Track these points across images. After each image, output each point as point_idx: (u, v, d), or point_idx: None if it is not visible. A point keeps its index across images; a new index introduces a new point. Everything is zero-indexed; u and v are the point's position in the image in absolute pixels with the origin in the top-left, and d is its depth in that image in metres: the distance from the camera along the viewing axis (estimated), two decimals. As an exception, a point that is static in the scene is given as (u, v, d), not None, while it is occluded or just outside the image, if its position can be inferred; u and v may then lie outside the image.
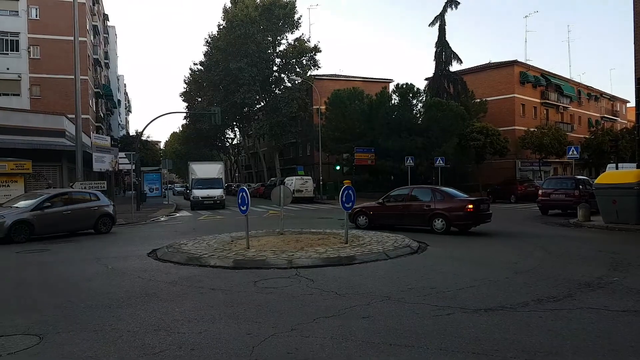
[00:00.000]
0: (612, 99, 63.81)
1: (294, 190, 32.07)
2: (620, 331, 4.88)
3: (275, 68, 48.14)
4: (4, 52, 34.57)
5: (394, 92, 37.92)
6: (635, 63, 18.38)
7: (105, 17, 57.23)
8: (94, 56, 43.35)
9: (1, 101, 31.47)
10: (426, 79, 44.08)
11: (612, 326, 5.04)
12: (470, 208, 13.44)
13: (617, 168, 23.33)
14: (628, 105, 66.32)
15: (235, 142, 69.62)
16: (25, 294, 7.28)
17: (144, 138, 54.30)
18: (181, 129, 73.26)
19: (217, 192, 28.77)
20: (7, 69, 34.19)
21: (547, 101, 48.87)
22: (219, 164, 34.56)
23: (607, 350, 4.40)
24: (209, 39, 48.51)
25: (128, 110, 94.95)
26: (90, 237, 14.79)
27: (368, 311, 5.70)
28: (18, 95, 34.32)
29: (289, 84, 47.65)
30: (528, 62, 47.82)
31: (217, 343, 4.73)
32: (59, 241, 13.76)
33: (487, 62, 48.20)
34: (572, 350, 4.37)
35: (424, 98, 37.40)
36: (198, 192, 28.59)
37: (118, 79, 70.47)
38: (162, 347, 4.65)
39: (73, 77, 19.35)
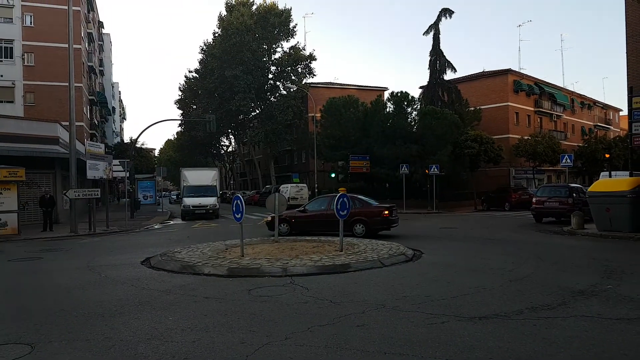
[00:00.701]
0: (605, 107, 64.38)
1: (289, 197, 32.03)
2: (614, 339, 4.89)
3: (270, 76, 48.30)
4: (-2, 59, 34.49)
5: (388, 100, 38.05)
6: (627, 71, 18.59)
7: (100, 25, 57.29)
8: (89, 63, 43.33)
9: (-5, 108, 31.33)
10: (421, 87, 44.31)
11: (606, 334, 5.04)
12: (386, 214, 15.02)
13: (610, 176, 23.54)
14: (621, 113, 66.94)
15: (230, 149, 69.62)
16: (17, 302, 7.21)
17: (138, 145, 54.22)
18: (176, 137, 73.27)
19: (210, 201, 26.57)
20: (1, 76, 34.09)
21: (541, 109, 49.23)
22: (214, 170, 32.11)
23: (601, 358, 4.40)
24: (204, 47, 48.67)
25: (123, 117, 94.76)
26: (83, 245, 14.67)
27: (363, 319, 5.68)
28: (12, 102, 34.19)
29: (284, 92, 47.81)
30: (522, 71, 48.22)
31: (210, 352, 4.69)
32: (52, 250, 13.65)
33: (481, 70, 48.66)
34: (567, 358, 4.37)
35: (419, 106, 37.54)
36: (189, 201, 26.33)
37: (113, 86, 70.41)
38: (156, 356, 4.61)
39: (67, 84, 19.32)
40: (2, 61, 34.47)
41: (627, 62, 18.66)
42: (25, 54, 35.07)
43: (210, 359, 4.52)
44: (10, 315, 6.34)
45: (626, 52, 18.64)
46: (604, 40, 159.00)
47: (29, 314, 6.38)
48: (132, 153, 33.70)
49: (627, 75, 18.56)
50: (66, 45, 20.40)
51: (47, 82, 34.62)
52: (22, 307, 6.86)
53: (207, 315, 6.05)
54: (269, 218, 15.56)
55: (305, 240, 13.15)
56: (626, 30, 18.62)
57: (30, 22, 35.43)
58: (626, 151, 41.88)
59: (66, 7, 19.65)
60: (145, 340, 5.10)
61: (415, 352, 4.54)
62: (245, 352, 4.63)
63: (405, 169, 30.13)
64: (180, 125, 59.09)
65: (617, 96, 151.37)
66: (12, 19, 34.85)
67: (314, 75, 48.39)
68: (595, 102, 61.24)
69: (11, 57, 34.78)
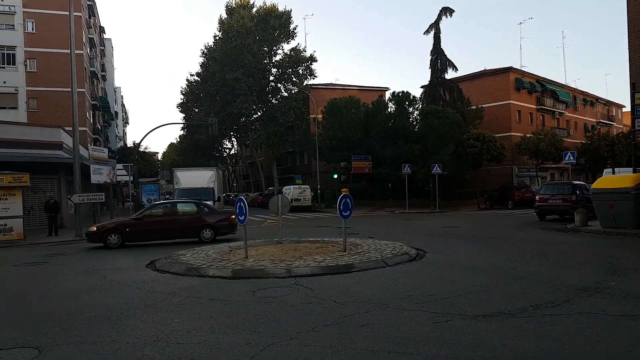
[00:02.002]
0: (608, 104, 64.19)
1: (291, 199, 32.10)
2: (618, 336, 4.90)
3: (271, 78, 48.37)
4: (1, 65, 34.71)
5: (390, 100, 38.09)
6: (630, 68, 18.54)
7: (102, 30, 57.53)
8: (91, 69, 43.52)
9: (-2, 114, 31.52)
10: (422, 87, 44.28)
11: (610, 331, 5.05)
12: (232, 218, 15.37)
13: (613, 173, 23.49)
14: (624, 110, 66.71)
15: (232, 152, 69.72)
16: (23, 306, 7.27)
17: (141, 149, 54.41)
18: (178, 140, 73.42)
19: None
20: (4, 82, 34.29)
21: (543, 107, 49.13)
22: (210, 170, 28.47)
23: (605, 355, 4.41)
24: (205, 50, 48.78)
25: (125, 122, 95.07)
26: (88, 249, 14.75)
27: (367, 319, 5.70)
28: (15, 108, 34.38)
29: (286, 94, 47.86)
30: (523, 69, 48.13)
31: (216, 353, 4.73)
32: (57, 254, 13.73)
33: (483, 69, 48.51)
34: (571, 356, 4.38)
35: (420, 106, 37.58)
36: None
37: (115, 91, 70.65)
38: (162, 358, 4.65)
39: (70, 89, 19.40)
40: (4, 68, 34.67)
41: (629, 59, 18.61)
42: (28, 60, 35.27)
43: (216, 360, 4.55)
44: (18, 319, 6.39)
45: (628, 49, 18.60)
46: (606, 37, 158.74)
47: (36, 317, 6.43)
48: (135, 157, 33.88)
49: (630, 71, 18.52)
50: (68, 51, 20.51)
51: (49, 87, 34.80)
52: (29, 311, 6.92)
53: (213, 317, 6.09)
54: (94, 228, 14.92)
55: (308, 241, 13.18)
56: (628, 26, 18.58)
57: (32, 29, 35.64)
58: (629, 147, 41.79)
59: (67, 13, 19.75)
60: (152, 342, 5.14)
61: (419, 351, 4.56)
62: (250, 353, 4.66)
63: (408, 169, 30.13)
64: (182, 128, 59.25)
65: (619, 93, 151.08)
66: (14, 25, 35.06)
67: (315, 76, 48.49)
68: (597, 98, 61.07)
69: (14, 64, 34.99)
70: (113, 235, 14.65)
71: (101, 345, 5.11)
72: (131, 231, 14.85)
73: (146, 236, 15.05)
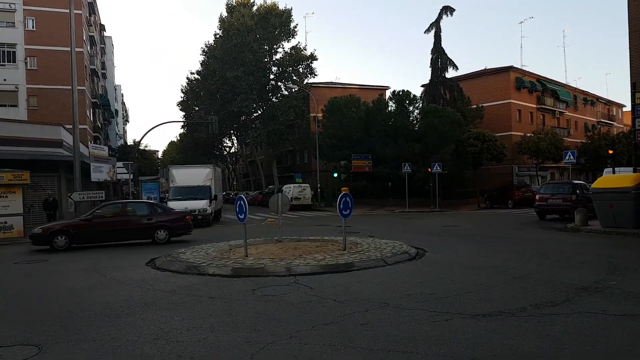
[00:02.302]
0: (608, 103, 64.14)
1: (291, 198, 32.10)
2: (618, 335, 4.90)
3: (271, 76, 48.34)
4: (1, 63, 34.69)
5: (390, 99, 38.07)
6: (630, 67, 18.52)
7: (102, 28, 57.48)
8: (91, 66, 43.51)
9: (-1, 112, 31.51)
10: (422, 86, 44.24)
11: (610, 330, 5.05)
12: (189, 219, 15.47)
13: (614, 172, 23.48)
14: (624, 109, 66.63)
15: (232, 150, 69.72)
16: (24, 304, 7.28)
17: (141, 147, 54.40)
18: (179, 138, 73.41)
19: (199, 205, 21.61)
20: (4, 80, 34.28)
21: (544, 106, 49.09)
22: (207, 168, 26.49)
23: (605, 354, 4.42)
24: (206, 48, 48.73)
25: (125, 120, 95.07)
26: (89, 248, 14.76)
27: (366, 318, 5.71)
28: (15, 106, 34.37)
29: (286, 92, 47.82)
30: (524, 68, 48.06)
31: (216, 351, 4.73)
32: (58, 252, 13.74)
33: (483, 68, 48.45)
34: (571, 355, 4.38)
35: (421, 105, 37.55)
36: (173, 205, 20.54)
37: (115, 89, 70.63)
38: (162, 356, 4.65)
39: (70, 87, 19.42)
40: (5, 65, 34.66)
41: (630, 58, 18.60)
42: (28, 58, 35.27)
43: (215, 358, 4.56)
44: (18, 317, 6.39)
45: (629, 48, 18.58)
46: (607, 36, 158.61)
47: (35, 315, 6.43)
48: (135, 155, 33.88)
49: (630, 71, 18.50)
50: (68, 49, 20.51)
51: (50, 85, 34.79)
52: (29, 308, 6.92)
53: (212, 315, 6.09)
54: (40, 230, 14.18)
55: (308, 240, 13.19)
56: (629, 26, 18.55)
57: (33, 26, 35.62)
58: (630, 147, 41.71)
59: (68, 11, 19.74)
60: (151, 340, 5.14)
61: (419, 350, 4.56)
62: (250, 351, 4.67)
63: (408, 168, 30.13)
64: (182, 127, 59.24)
65: (620, 92, 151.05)
66: (14, 23, 35.04)
67: (316, 75, 48.45)
68: (598, 98, 61.02)
69: (14, 61, 34.97)
70: (60, 237, 13.91)
71: (101, 343, 5.12)
72: (80, 233, 14.18)
73: (96, 238, 14.46)
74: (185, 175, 24.79)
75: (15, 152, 21.47)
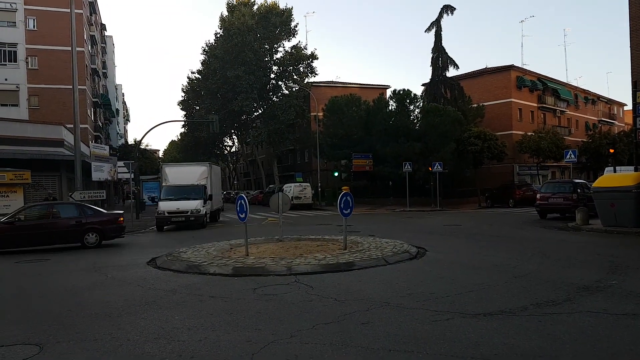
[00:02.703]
0: (609, 102, 64.06)
1: (292, 197, 32.11)
2: (619, 334, 4.89)
3: (272, 75, 48.35)
4: (2, 63, 34.73)
5: (391, 98, 38.04)
6: (631, 66, 18.49)
7: (103, 27, 57.47)
8: (92, 66, 43.52)
9: (0, 112, 31.55)
10: (423, 85, 44.20)
11: (612, 329, 5.04)
12: (121, 220, 14.86)
13: (615, 171, 23.44)
14: (625, 108, 66.53)
15: (233, 149, 69.70)
16: (24, 303, 7.28)
17: (142, 147, 54.41)
18: (179, 138, 73.39)
19: (192, 205, 20.16)
20: (6, 79, 34.32)
21: (544, 105, 49.03)
22: (202, 166, 24.61)
23: (606, 353, 4.41)
24: (207, 48, 48.73)
25: (126, 119, 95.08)
26: (90, 248, 14.76)
27: (367, 317, 5.70)
28: (16, 105, 34.43)
29: (287, 91, 47.84)
30: (524, 67, 48.00)
31: (217, 350, 4.73)
32: (58, 251, 13.75)
33: (484, 67, 48.42)
34: (572, 354, 4.37)
35: (421, 104, 37.52)
36: (165, 205, 20.23)
37: (116, 88, 70.63)
38: (162, 355, 4.65)
39: (71, 87, 19.41)
40: (6, 65, 34.69)
41: (631, 57, 18.56)
42: (29, 58, 35.29)
43: (216, 357, 4.55)
44: (19, 316, 6.40)
45: (630, 47, 18.55)
46: (608, 35, 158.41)
47: (37, 314, 6.44)
48: (136, 154, 33.87)
49: (631, 69, 18.47)
50: (69, 48, 20.52)
51: (51, 85, 34.82)
52: (30, 308, 6.93)
53: (213, 314, 6.09)
54: None
55: (309, 239, 13.19)
56: (630, 24, 18.52)
57: (34, 26, 35.63)
58: (631, 146, 41.70)
59: (68, 10, 19.74)
60: (152, 339, 5.14)
61: (420, 349, 4.56)
62: (251, 351, 4.67)
63: (409, 167, 30.11)
64: (183, 126, 59.22)
65: (621, 91, 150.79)
66: (15, 22, 35.07)
67: (316, 74, 48.44)
68: (599, 97, 60.94)
69: (15, 61, 35.01)
70: None
71: (102, 342, 5.12)
72: (0, 237, 13.37)
73: (19, 242, 13.75)
74: (179, 174, 23.15)
75: (17, 151, 21.50)
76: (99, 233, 14.24)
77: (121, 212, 15.63)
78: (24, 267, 11.03)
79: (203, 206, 20.57)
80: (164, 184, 22.83)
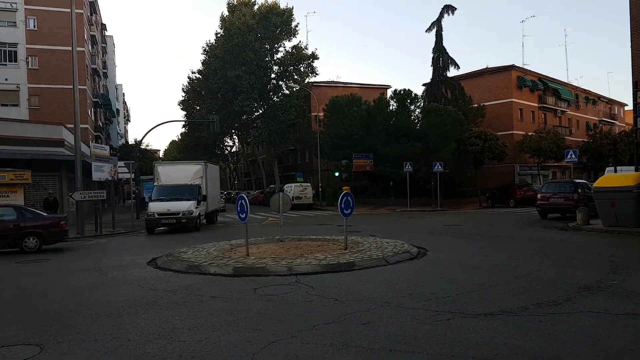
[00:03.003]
0: (610, 102, 64.01)
1: (293, 197, 32.11)
2: (620, 334, 4.89)
3: (273, 75, 48.34)
4: (3, 63, 34.73)
5: (391, 98, 38.03)
6: (632, 66, 18.49)
7: (103, 27, 57.49)
8: (92, 66, 43.52)
9: (0, 112, 31.57)
10: (424, 85, 44.21)
11: (612, 329, 5.04)
12: (63, 224, 14.10)
13: (615, 171, 23.40)
14: (626, 108, 66.48)
15: (234, 149, 69.69)
16: (25, 303, 7.28)
17: (143, 147, 54.39)
18: (180, 138, 73.39)
19: (184, 206, 18.95)
20: (6, 79, 34.33)
21: (545, 105, 49.00)
22: (197, 165, 22.65)
23: (607, 353, 4.40)
24: (207, 48, 48.72)
25: (127, 119, 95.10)
26: (90, 246, 14.78)
27: (368, 317, 5.70)
28: (17, 105, 34.43)
29: (287, 91, 47.83)
30: (525, 67, 47.96)
31: (217, 350, 4.73)
32: (58, 251, 13.75)
33: (485, 67, 48.38)
34: (572, 354, 4.37)
35: (422, 104, 37.51)
36: (155, 206, 19.20)
37: (116, 88, 70.65)
38: (163, 355, 4.65)
39: (71, 87, 19.41)
40: (6, 65, 34.70)
41: (631, 57, 18.56)
42: (30, 58, 35.29)
43: (217, 358, 4.55)
44: (19, 317, 6.40)
45: (631, 47, 18.55)
46: (608, 35, 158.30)
47: (37, 314, 6.44)
48: (136, 154, 33.88)
49: (632, 69, 18.47)
50: (69, 48, 20.52)
51: (51, 85, 34.81)
52: (30, 308, 6.93)
53: (214, 315, 6.09)
54: None
55: (309, 239, 13.19)
56: (630, 24, 18.51)
57: (34, 26, 35.63)
58: (631, 146, 41.66)
59: (69, 10, 19.74)
60: (153, 339, 5.14)
61: (420, 349, 4.55)
62: (251, 351, 4.66)
63: (409, 167, 30.10)
64: (184, 126, 59.21)
65: (622, 91, 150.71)
66: (15, 22, 35.06)
67: (317, 74, 48.42)
68: (600, 97, 60.90)
69: (15, 61, 35.01)
70: None
71: (102, 342, 5.12)
72: None
73: None
74: (172, 173, 21.42)
75: (17, 151, 21.50)
76: (39, 237, 13.52)
77: (64, 215, 15.08)
78: (24, 267, 11.03)
79: (196, 207, 19.34)
80: (155, 184, 21.12)
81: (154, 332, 5.39)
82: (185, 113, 56.33)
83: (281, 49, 47.80)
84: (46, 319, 6.14)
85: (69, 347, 4.99)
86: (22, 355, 4.76)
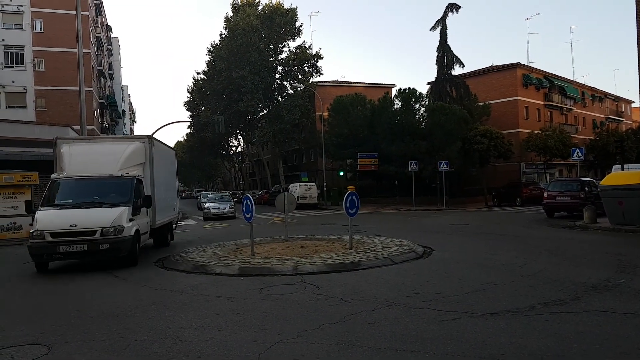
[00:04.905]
0: (617, 99, 63.56)
1: (298, 196, 32.07)
2: (628, 334, 4.86)
3: (277, 75, 48.38)
4: (10, 65, 34.97)
5: (396, 97, 37.92)
6: (638, 63, 18.38)
7: (109, 29, 57.78)
8: (98, 67, 43.74)
9: (7, 114, 31.82)
10: (428, 83, 44.09)
11: (620, 329, 5.01)
12: None
13: (622, 169, 23.24)
14: (633, 105, 66.07)
15: (239, 149, 69.85)
16: (33, 304, 7.33)
17: (148, 147, 54.42)
18: (185, 138, 73.69)
19: (106, 218, 10.27)
20: (13, 81, 34.57)
21: (551, 103, 48.73)
22: (134, 142, 12.92)
23: (614, 353, 4.38)
24: (212, 48, 48.84)
25: (132, 120, 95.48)
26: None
27: (374, 317, 5.70)
28: (24, 107, 34.66)
29: (292, 91, 47.86)
30: (531, 65, 47.75)
31: (223, 350, 4.75)
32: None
33: (490, 65, 48.18)
34: (580, 354, 4.35)
35: (427, 102, 37.39)
36: (46, 219, 10.27)
37: (122, 90, 70.95)
38: (170, 355, 4.68)
39: (78, 88, 19.52)
40: (13, 67, 34.95)
41: (638, 54, 18.46)
42: (36, 60, 35.53)
43: (223, 357, 4.57)
44: (27, 317, 6.44)
45: (637, 44, 18.44)
46: (614, 32, 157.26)
47: (45, 315, 6.48)
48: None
49: (638, 66, 18.36)
50: (75, 50, 20.62)
51: (57, 86, 35.03)
52: (38, 308, 6.98)
53: (220, 314, 6.11)
54: None
55: (315, 239, 13.20)
56: (637, 21, 18.40)
57: (40, 28, 35.88)
58: (639, 144, 41.45)
59: (75, 12, 19.85)
60: (160, 339, 5.17)
61: (426, 349, 4.55)
62: (257, 350, 4.68)
63: (414, 166, 30.03)
64: (189, 127, 59.44)
65: (628, 88, 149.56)
66: (22, 25, 35.32)
67: (321, 73, 48.37)
68: (606, 94, 60.50)
69: (22, 63, 35.25)
70: None
71: (110, 342, 5.15)
72: None
73: None
74: (86, 156, 12.44)
75: (24, 152, 21.64)
76: None
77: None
78: (32, 268, 11.10)
79: (130, 220, 10.58)
80: (55, 176, 11.85)
81: (160, 332, 5.42)
82: (190, 114, 56.49)
83: (285, 49, 47.87)
84: (54, 319, 6.18)
85: (76, 347, 5.03)
86: (30, 355, 4.80)
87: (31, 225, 10.68)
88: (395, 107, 37.02)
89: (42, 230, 9.95)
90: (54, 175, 11.79)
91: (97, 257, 10.19)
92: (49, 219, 10.17)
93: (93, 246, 9.87)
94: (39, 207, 10.62)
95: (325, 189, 37.89)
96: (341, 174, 39.22)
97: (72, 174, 11.56)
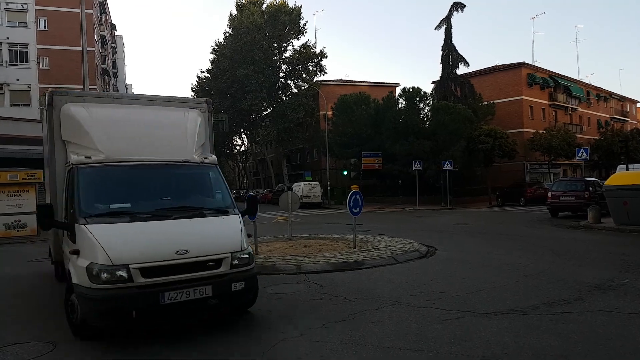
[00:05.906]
0: (622, 99, 63.27)
1: (301, 195, 32.07)
2: (632, 333, 4.85)
3: (281, 74, 48.38)
4: (14, 63, 35.13)
5: (400, 96, 37.88)
6: (643, 63, 18.26)
7: (113, 27, 57.93)
8: (102, 66, 43.88)
9: (12, 111, 31.96)
10: (433, 83, 43.97)
11: (624, 328, 5.00)
12: None
13: (627, 169, 23.17)
14: (638, 105, 65.77)
15: (243, 148, 69.92)
16: (38, 301, 7.36)
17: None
18: (189, 137, 73.68)
19: (226, 236, 5.60)
20: (17, 79, 34.73)
21: (556, 103, 48.54)
22: (188, 109, 6.90)
23: (619, 353, 4.37)
24: (216, 47, 48.89)
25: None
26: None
27: (377, 316, 5.70)
28: (28, 105, 34.79)
29: (296, 90, 47.83)
30: (536, 64, 47.56)
31: (228, 349, 4.77)
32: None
33: (494, 64, 47.98)
34: (584, 354, 4.34)
35: (431, 101, 37.32)
36: (122, 239, 5.06)
37: (126, 88, 71.16)
38: (176, 353, 4.69)
39: (82, 86, 19.57)
40: (17, 65, 35.10)
41: (643, 53, 18.34)
42: (40, 58, 35.68)
43: (227, 356, 4.58)
44: (32, 314, 6.48)
45: (642, 43, 18.33)
46: (620, 31, 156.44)
47: (49, 312, 6.51)
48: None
49: (644, 66, 18.26)
50: (79, 48, 20.68)
51: (62, 85, 35.00)
52: (42, 306, 7.01)
53: (223, 313, 6.12)
54: None
55: (318, 238, 13.21)
56: (642, 20, 18.30)
57: (45, 26, 36.03)
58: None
59: (79, 11, 19.90)
60: (165, 339, 5.18)
61: (430, 348, 4.55)
62: (261, 349, 4.69)
63: (418, 165, 29.97)
64: (192, 125, 59.36)
65: (634, 88, 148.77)
66: (26, 23, 35.46)
67: (325, 72, 48.34)
68: (611, 94, 60.22)
69: (26, 61, 35.40)
70: None
71: (115, 339, 5.17)
72: None
73: None
74: (127, 126, 6.22)
75: (29, 150, 21.71)
76: None
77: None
78: (37, 266, 11.15)
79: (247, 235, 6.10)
80: (82, 158, 5.78)
81: (166, 331, 5.43)
82: (194, 112, 56.43)
83: (289, 47, 47.84)
84: (59, 317, 6.18)
85: (81, 345, 5.05)
86: (35, 353, 4.83)
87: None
88: (400, 106, 36.97)
89: (123, 264, 4.88)
90: (77, 158, 5.82)
91: (226, 306, 5.95)
92: (129, 240, 5.10)
93: (221, 288, 5.31)
94: (79, 217, 5.27)
95: (329, 188, 37.90)
96: (345, 173, 39.21)
97: (115, 155, 5.91)
